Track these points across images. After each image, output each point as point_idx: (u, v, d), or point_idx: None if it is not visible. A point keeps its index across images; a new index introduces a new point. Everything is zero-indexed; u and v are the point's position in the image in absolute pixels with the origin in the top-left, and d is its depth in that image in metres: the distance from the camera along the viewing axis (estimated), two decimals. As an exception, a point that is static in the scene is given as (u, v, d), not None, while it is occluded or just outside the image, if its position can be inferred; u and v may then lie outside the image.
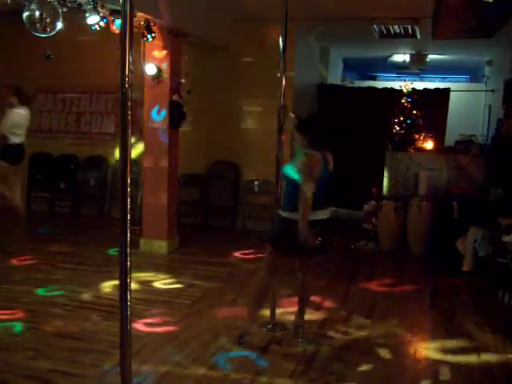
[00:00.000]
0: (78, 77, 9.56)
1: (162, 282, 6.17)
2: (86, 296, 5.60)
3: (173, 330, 4.84)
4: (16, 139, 7.00)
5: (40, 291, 5.68)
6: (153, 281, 6.17)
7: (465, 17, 5.22)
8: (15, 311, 5.08)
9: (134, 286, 5.41)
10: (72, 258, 6.94)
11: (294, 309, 5.07)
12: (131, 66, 2.62)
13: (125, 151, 2.57)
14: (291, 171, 4.29)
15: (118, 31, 6.19)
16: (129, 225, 2.55)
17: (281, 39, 4.94)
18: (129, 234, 2.56)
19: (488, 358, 4.54)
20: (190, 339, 4.64)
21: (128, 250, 2.56)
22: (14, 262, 6.67)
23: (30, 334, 4.66)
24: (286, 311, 5.29)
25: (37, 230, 8.54)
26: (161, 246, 7.36)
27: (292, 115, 5.02)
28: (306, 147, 4.30)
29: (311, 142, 4.30)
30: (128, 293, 2.56)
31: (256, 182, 8.98)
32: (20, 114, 7.04)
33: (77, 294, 5.65)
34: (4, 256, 6.76)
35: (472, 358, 4.51)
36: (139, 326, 4.81)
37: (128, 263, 2.55)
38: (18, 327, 4.75)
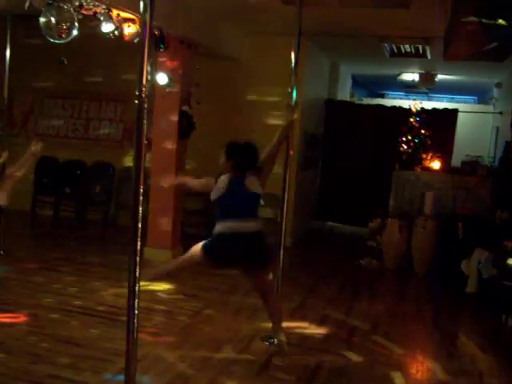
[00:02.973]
0: (88, 83, 9.62)
1: (165, 292, 6.16)
2: (89, 302, 5.58)
3: (175, 340, 4.82)
4: None
5: (42, 296, 5.67)
6: (156, 290, 6.15)
7: (478, 39, 5.24)
8: (17, 315, 5.07)
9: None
10: (76, 264, 6.93)
11: (296, 324, 5.05)
12: (148, 76, 2.63)
13: (139, 159, 2.58)
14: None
15: (131, 40, 6.24)
16: (140, 234, 2.55)
17: (293, 54, 4.95)
18: (139, 244, 2.56)
19: (490, 381, 4.51)
20: (192, 350, 4.62)
21: (138, 258, 2.56)
22: (17, 265, 6.66)
23: (31, 338, 4.64)
24: (289, 326, 5.26)
25: (41, 235, 8.55)
26: (164, 256, 7.34)
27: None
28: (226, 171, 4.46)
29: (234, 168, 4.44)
30: (136, 301, 2.56)
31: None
32: None
33: (80, 299, 5.63)
34: (8, 259, 6.76)
35: (474, 381, 4.48)
36: (141, 334, 4.76)
37: (137, 273, 2.56)
38: (20, 331, 4.74)
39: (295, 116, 5.01)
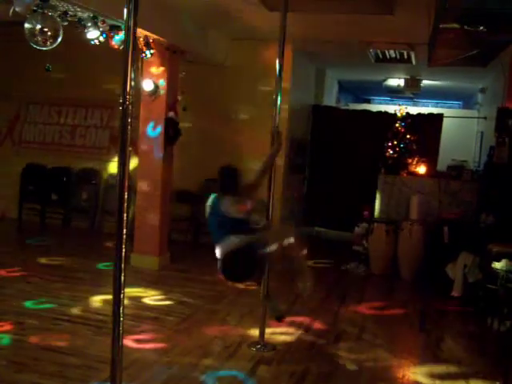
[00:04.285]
0: (74, 89, 9.59)
1: (152, 299, 6.13)
2: (75, 310, 5.55)
3: (162, 347, 4.81)
4: None
5: (28, 304, 5.63)
6: (142, 297, 6.13)
7: (460, 45, 5.30)
8: (2, 323, 5.02)
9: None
10: (62, 271, 6.89)
11: (283, 329, 5.05)
12: (132, 82, 2.64)
13: (123, 166, 2.59)
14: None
15: (117, 46, 6.25)
16: (124, 240, 2.55)
17: (277, 60, 4.92)
18: (124, 250, 2.56)
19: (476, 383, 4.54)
20: (179, 357, 4.61)
21: (123, 265, 2.56)
22: (3, 273, 6.61)
23: (16, 347, 4.60)
24: (276, 331, 5.27)
25: (27, 241, 8.50)
26: (151, 262, 7.33)
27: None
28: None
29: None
30: (121, 308, 2.56)
31: (248, 201, 8.97)
32: None
33: (66, 307, 5.60)
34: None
35: (460, 384, 4.51)
36: (128, 342, 4.76)
37: (122, 279, 2.55)
38: (5, 340, 4.70)
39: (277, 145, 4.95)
